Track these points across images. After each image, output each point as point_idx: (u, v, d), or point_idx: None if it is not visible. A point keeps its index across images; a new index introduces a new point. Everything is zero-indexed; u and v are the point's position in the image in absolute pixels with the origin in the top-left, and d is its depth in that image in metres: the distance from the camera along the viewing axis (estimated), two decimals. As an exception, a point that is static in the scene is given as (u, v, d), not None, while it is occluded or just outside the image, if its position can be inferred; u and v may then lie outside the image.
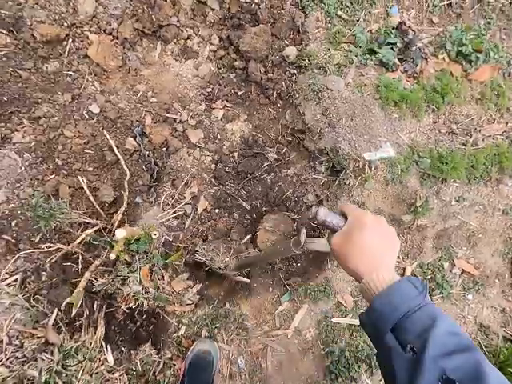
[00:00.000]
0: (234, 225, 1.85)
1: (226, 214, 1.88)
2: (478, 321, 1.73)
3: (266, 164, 1.95)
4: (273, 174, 1.96)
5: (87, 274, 1.31)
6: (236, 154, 1.96)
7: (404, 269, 1.73)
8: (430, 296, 1.72)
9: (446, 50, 1.79)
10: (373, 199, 1.66)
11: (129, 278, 1.43)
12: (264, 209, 1.93)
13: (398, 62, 1.72)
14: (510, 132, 1.77)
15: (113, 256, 1.30)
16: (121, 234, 1.32)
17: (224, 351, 1.54)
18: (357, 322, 1.62)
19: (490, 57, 1.74)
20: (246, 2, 1.82)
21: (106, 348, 1.42)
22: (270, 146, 1.97)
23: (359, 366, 1.50)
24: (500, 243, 1.89)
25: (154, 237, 1.39)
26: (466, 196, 1.70)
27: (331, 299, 1.65)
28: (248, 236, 1.77)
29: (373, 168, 1.59)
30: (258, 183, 1.95)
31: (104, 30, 1.83)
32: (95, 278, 1.31)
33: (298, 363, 1.57)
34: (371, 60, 1.74)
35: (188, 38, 1.94)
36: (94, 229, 1.51)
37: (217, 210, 1.89)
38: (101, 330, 1.39)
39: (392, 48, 1.72)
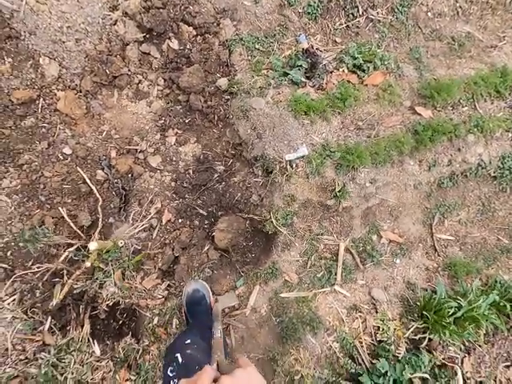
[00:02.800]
0: (196, 231, 2.20)
1: (188, 222, 2.24)
2: (406, 280, 2.06)
3: (216, 175, 2.33)
4: (223, 183, 2.33)
5: (70, 281, 1.64)
6: (191, 171, 2.34)
7: (338, 245, 2.07)
8: (363, 265, 2.05)
9: (345, 63, 2.21)
10: (300, 191, 2.02)
11: (105, 281, 1.77)
12: (219, 213, 2.29)
13: (305, 80, 2.13)
14: (406, 121, 2.16)
15: (88, 264, 1.64)
16: (93, 246, 1.66)
17: (193, 334, 1.84)
18: (302, 294, 1.94)
19: (378, 65, 2.16)
20: (180, 49, 2.24)
21: (93, 342, 1.73)
22: (218, 160, 2.36)
23: (304, 329, 1.81)
24: (419, 213, 2.24)
25: (120, 245, 1.73)
26: (377, 178, 2.07)
27: (279, 278, 1.97)
28: (208, 243, 2.12)
29: (294, 166, 1.96)
30: (211, 192, 2.31)
31: (69, 87, 2.24)
32: (76, 284, 1.64)
33: (256, 336, 1.87)
34: (285, 80, 2.15)
35: (139, 83, 2.36)
36: (75, 247, 1.85)
37: (180, 220, 2.24)
38: (86, 327, 1.71)
39: (299, 69, 2.14)
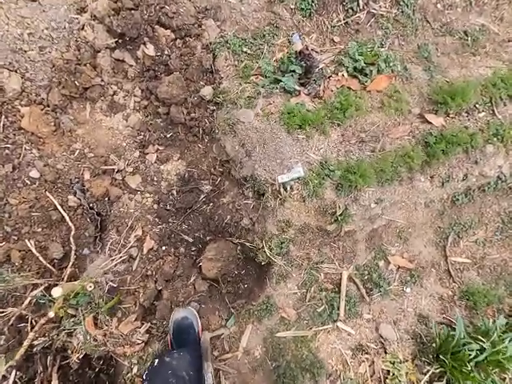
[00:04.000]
0: (181, 260, 1.97)
1: (173, 250, 2.01)
2: (418, 312, 1.83)
3: (202, 196, 2.09)
4: (211, 204, 2.09)
5: (31, 335, 1.42)
6: (174, 192, 2.10)
7: (341, 274, 1.84)
8: (369, 296, 1.83)
9: (344, 66, 1.94)
10: (297, 216, 1.79)
11: (75, 329, 1.55)
12: (207, 238, 2.05)
13: (299, 88, 1.87)
14: (415, 131, 1.90)
15: (51, 314, 1.42)
16: (56, 292, 1.44)
17: (178, 382, 1.63)
18: (301, 332, 1.72)
19: (382, 67, 1.89)
20: (158, 55, 1.99)
21: (64, 399, 1.52)
22: (204, 178, 2.11)
23: (303, 376, 1.59)
24: (431, 233, 2.00)
25: (89, 289, 1.50)
26: (383, 197, 1.82)
27: (274, 315, 1.75)
28: (194, 273, 1.89)
29: (288, 189, 1.72)
30: (198, 215, 2.08)
31: (34, 101, 1.99)
32: (38, 337, 1.42)
33: (249, 382, 1.66)
34: (276, 89, 1.90)
35: (114, 94, 2.11)
36: (40, 289, 1.63)
37: (163, 248, 2.01)
38: (54, 382, 1.49)
39: (292, 75, 1.88)
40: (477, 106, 1.96)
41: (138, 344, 1.64)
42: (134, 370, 1.61)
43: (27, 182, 1.95)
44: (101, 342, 1.58)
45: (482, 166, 1.90)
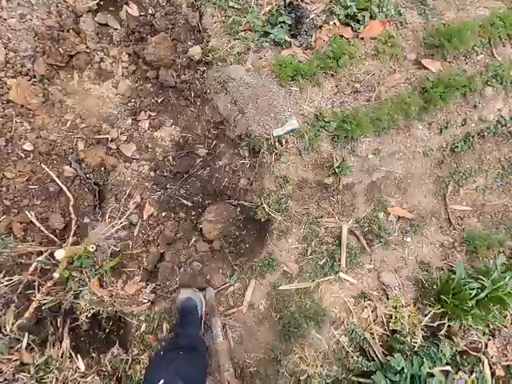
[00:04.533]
0: (181, 224, 1.98)
1: (172, 215, 2.01)
2: (419, 259, 1.84)
3: (199, 160, 2.07)
4: (208, 168, 2.07)
5: (38, 296, 1.45)
6: (170, 158, 2.08)
7: (341, 227, 1.84)
8: (370, 247, 1.84)
9: (335, 14, 1.86)
10: (294, 170, 1.77)
11: (82, 291, 1.58)
12: (207, 201, 2.05)
13: (289, 39, 1.81)
14: (411, 78, 1.85)
15: (56, 275, 1.44)
16: (60, 254, 1.45)
17: (187, 337, 1.68)
18: (303, 284, 1.74)
19: (375, 13, 1.81)
20: (142, 15, 1.92)
21: (77, 357, 1.57)
22: (199, 142, 2.09)
23: (307, 324, 1.63)
24: (430, 183, 1.98)
25: (91, 250, 1.52)
26: (381, 148, 1.80)
27: (277, 270, 1.77)
28: (195, 235, 1.90)
29: (283, 142, 1.69)
30: (195, 180, 2.07)
31: (20, 72, 1.95)
32: (45, 298, 1.45)
33: (256, 334, 1.70)
34: (266, 42, 1.83)
35: (101, 61, 2.05)
36: (43, 255, 1.65)
37: (163, 213, 2.02)
38: (66, 342, 1.54)
39: (282, 26, 1.81)
40: (475, 48, 1.89)
41: (145, 303, 1.67)
42: (143, 328, 1.66)
43: (21, 155, 1.93)
44: (108, 302, 1.61)
45: (481, 110, 1.86)
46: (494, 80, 1.82)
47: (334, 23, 1.85)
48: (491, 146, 2.00)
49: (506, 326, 1.64)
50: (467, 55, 1.90)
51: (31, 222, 1.86)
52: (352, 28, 1.83)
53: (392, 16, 1.88)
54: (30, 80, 1.96)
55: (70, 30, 1.95)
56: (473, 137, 1.93)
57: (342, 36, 1.82)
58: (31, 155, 1.95)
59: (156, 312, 1.69)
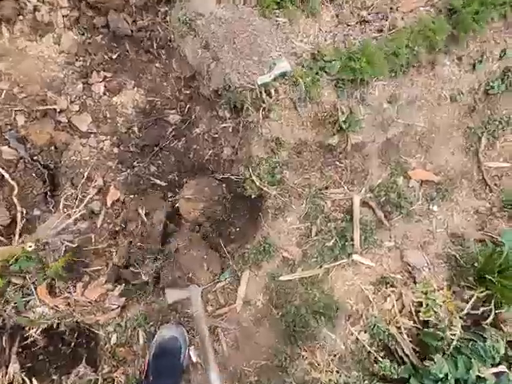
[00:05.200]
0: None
1: (143, 199, 1.65)
2: (450, 231, 1.49)
3: (170, 129, 1.68)
4: (183, 138, 1.68)
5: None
6: (135, 129, 1.68)
7: (351, 199, 1.48)
8: (389, 221, 1.48)
9: None
10: (289, 130, 1.38)
11: (28, 301, 1.24)
12: (184, 180, 1.68)
13: (272, -47, 1.37)
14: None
15: (-16, 285, 1.09)
16: (-14, 258, 1.10)
17: (170, 347, 1.36)
18: (309, 272, 1.40)
19: None
20: None
21: (31, 381, 1.26)
22: (170, 107, 1.69)
23: (317, 321, 1.31)
24: (459, 137, 1.60)
25: (28, 249, 1.16)
26: (398, 93, 1.40)
27: (274, 257, 1.43)
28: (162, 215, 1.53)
29: (272, 93, 1.30)
30: (168, 154, 1.68)
31: None
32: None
33: (254, 336, 1.38)
34: (242, -38, 1.39)
35: (35, 10, 1.61)
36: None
37: (131, 197, 1.65)
38: (14, 366, 1.22)
39: None
40: (515, -46, 1.45)
41: (113, 310, 1.34)
42: (113, 340, 1.34)
43: None
44: (64, 312, 1.28)
45: (525, 35, 1.45)
46: (542, -7, 1.40)
47: None
48: (534, 85, 1.60)
49: None
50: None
51: (-33, 218, 1.51)
52: None
53: None
54: None
55: (-13, -31, 1.50)
56: (512, 73, 1.53)
57: None
58: (-43, 135, 1.56)
59: (129, 319, 1.36)
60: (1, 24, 1.60)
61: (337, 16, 1.39)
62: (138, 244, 1.46)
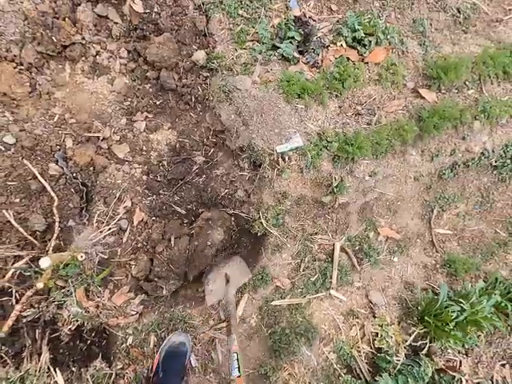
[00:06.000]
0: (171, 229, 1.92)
1: (164, 222, 1.95)
2: (404, 279, 1.93)
3: (195, 167, 2.02)
4: (204, 176, 2.03)
5: (18, 307, 1.34)
6: (165, 163, 2.01)
7: (333, 244, 1.88)
8: (360, 265, 1.89)
9: (343, 36, 1.90)
10: (293, 187, 1.78)
11: (65, 301, 1.48)
12: (200, 210, 2.01)
13: (298, 55, 1.82)
14: (409, 106, 1.93)
15: (40, 285, 1.34)
16: (45, 262, 1.35)
17: (175, 351, 1.63)
18: (295, 300, 1.76)
19: (381, 39, 1.87)
20: (146, 13, 1.83)
21: (55, 371, 1.47)
22: (197, 149, 2.04)
23: (298, 340, 1.65)
24: (418, 206, 2.08)
25: (80, 259, 1.43)
26: (377, 170, 1.86)
27: (269, 284, 1.78)
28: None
29: (286, 159, 1.70)
30: (190, 187, 2.02)
31: (5, 58, 1.78)
32: (25, 309, 1.34)
33: (246, 349, 1.69)
34: (274, 55, 1.83)
35: (97, 54, 1.93)
36: (23, 260, 1.52)
37: (154, 219, 1.95)
38: (45, 355, 1.44)
39: (291, 42, 1.81)
40: (466, 83, 2.02)
41: (133, 315, 1.61)
42: (129, 341, 1.59)
43: (1, 147, 1.77)
44: (93, 313, 1.53)
45: (468, 141, 1.98)
46: (481, 115, 1.95)
47: (341, 45, 1.88)
48: (473, 176, 2.14)
49: (478, 346, 1.76)
50: (459, 89, 2.01)
51: (8, 221, 1.72)
52: (358, 51, 1.87)
53: (395, 44, 1.95)
54: (15, 67, 1.80)
55: (66, 19, 1.82)
56: (459, 166, 2.05)
57: (348, 58, 1.86)
58: (12, 149, 1.80)
59: (144, 325, 1.62)
60: (65, 61, 1.90)
61: (339, 107, 1.84)
62: (165, 264, 1.73)
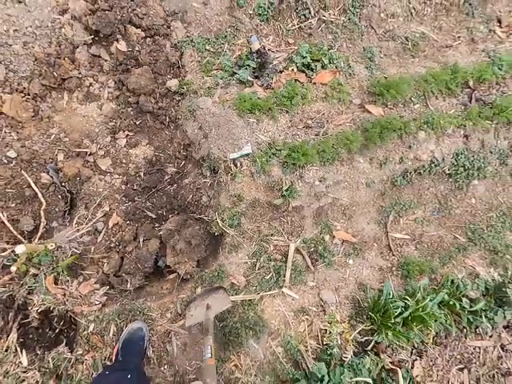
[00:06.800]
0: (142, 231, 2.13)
1: (136, 226, 2.17)
2: (358, 281, 1.98)
3: (167, 177, 2.28)
4: (175, 185, 2.27)
5: (-7, 287, 1.56)
6: (141, 173, 2.28)
7: (288, 246, 2.01)
8: (314, 266, 1.99)
9: (294, 62, 2.20)
10: (247, 190, 1.97)
11: (36, 287, 1.69)
12: (170, 215, 2.22)
13: (252, 79, 2.12)
14: (356, 119, 2.13)
15: (13, 268, 1.56)
16: (20, 249, 1.59)
17: (132, 341, 1.75)
18: (248, 297, 1.86)
19: (325, 63, 2.15)
20: (129, 51, 2.23)
21: (21, 352, 1.63)
22: (170, 162, 2.31)
23: (246, 333, 1.73)
24: (373, 212, 2.19)
25: (50, 247, 1.65)
26: (326, 176, 2.02)
27: (225, 281, 1.90)
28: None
29: (238, 165, 1.92)
30: (162, 195, 2.26)
31: (16, 90, 2.21)
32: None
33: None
34: (233, 80, 2.14)
35: (90, 85, 2.33)
36: (7, 252, 1.77)
37: (127, 223, 2.17)
38: (13, 336, 1.61)
39: (246, 68, 2.12)
40: (412, 98, 2.22)
41: (96, 304, 1.77)
42: (91, 328, 1.73)
43: (4, 161, 2.13)
44: (60, 300, 1.71)
45: (415, 150, 2.13)
46: (425, 126, 2.12)
47: (292, 69, 2.18)
48: (428, 183, 2.25)
49: (432, 348, 1.75)
50: (405, 104, 2.21)
51: (2, 222, 2.01)
52: (306, 74, 2.15)
53: (342, 67, 2.22)
54: (23, 97, 2.22)
55: (66, 58, 2.25)
56: (410, 173, 2.18)
57: (297, 80, 2.13)
58: (13, 162, 2.15)
59: (105, 314, 1.77)
60: (64, 91, 2.31)
61: (290, 121, 2.08)
62: (134, 262, 1.92)
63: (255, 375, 1.65)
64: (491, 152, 2.25)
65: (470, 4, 2.67)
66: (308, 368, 1.63)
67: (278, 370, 1.68)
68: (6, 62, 2.18)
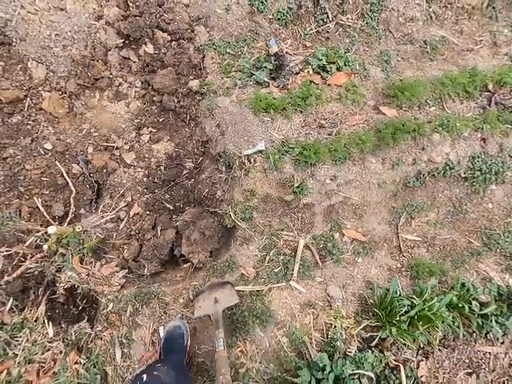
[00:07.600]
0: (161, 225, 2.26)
1: (155, 216, 2.31)
2: (366, 279, 2.00)
3: (185, 172, 2.41)
4: (192, 179, 2.40)
5: (27, 262, 1.74)
6: (162, 167, 2.43)
7: (298, 241, 2.06)
8: (323, 262, 2.03)
9: (310, 65, 2.27)
10: (260, 186, 2.06)
11: (64, 266, 1.85)
12: (186, 207, 2.35)
13: (268, 80, 2.21)
14: (369, 120, 2.16)
15: (45, 247, 1.73)
16: (51, 229, 1.76)
17: (145, 324, 1.87)
18: (257, 287, 1.93)
19: (340, 65, 2.20)
20: (155, 53, 2.40)
21: (48, 324, 1.80)
22: (188, 157, 2.45)
23: (253, 322, 1.79)
24: (385, 212, 2.20)
25: (77, 230, 1.82)
26: (337, 175, 2.07)
27: (235, 272, 1.98)
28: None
29: (252, 161, 2.01)
30: (180, 188, 2.39)
31: (55, 88, 2.43)
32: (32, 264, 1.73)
33: (208, 328, 1.87)
34: (251, 81, 2.24)
35: (119, 85, 2.52)
36: (40, 233, 1.95)
37: (147, 213, 2.32)
38: (42, 308, 1.78)
39: (263, 70, 2.22)
40: (428, 101, 2.22)
41: (116, 286, 1.91)
42: (110, 307, 1.87)
43: (41, 152, 2.34)
44: (84, 279, 1.87)
45: (429, 152, 2.13)
46: (440, 128, 2.12)
47: (308, 71, 2.25)
48: (443, 186, 2.23)
49: (439, 350, 1.73)
50: (421, 106, 2.22)
51: (37, 207, 2.21)
52: (321, 76, 2.22)
53: (357, 70, 2.27)
54: (60, 95, 2.44)
55: (99, 60, 2.45)
56: (424, 175, 2.18)
57: (312, 82, 2.20)
58: (49, 153, 2.36)
59: (124, 295, 1.91)
60: (96, 90, 2.52)
61: (304, 121, 2.15)
62: (151, 250, 2.06)
63: (260, 362, 1.72)
64: (511, 156, 2.20)
65: (493, 7, 2.64)
66: (311, 358, 1.67)
67: (281, 359, 1.74)
68: (47, 63, 2.41)
